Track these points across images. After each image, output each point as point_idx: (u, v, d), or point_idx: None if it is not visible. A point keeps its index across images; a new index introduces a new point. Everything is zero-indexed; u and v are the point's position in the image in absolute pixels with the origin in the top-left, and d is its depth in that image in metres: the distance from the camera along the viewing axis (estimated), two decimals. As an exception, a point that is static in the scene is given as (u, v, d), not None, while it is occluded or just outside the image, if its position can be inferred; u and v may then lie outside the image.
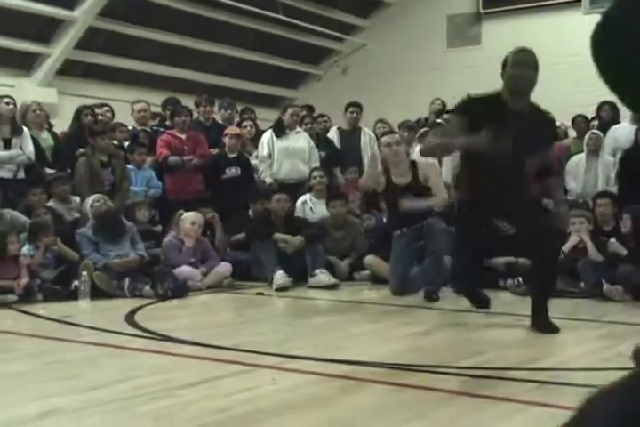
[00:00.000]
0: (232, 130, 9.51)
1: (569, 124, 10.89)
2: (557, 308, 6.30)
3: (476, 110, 5.01)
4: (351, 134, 10.33)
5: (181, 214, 7.89)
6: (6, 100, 8.35)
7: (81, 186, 8.27)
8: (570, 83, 13.23)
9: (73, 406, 3.06)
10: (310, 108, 11.47)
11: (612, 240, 7.33)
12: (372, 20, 16.56)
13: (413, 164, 7.18)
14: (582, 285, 7.07)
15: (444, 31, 15.70)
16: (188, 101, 10.57)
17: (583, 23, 13.53)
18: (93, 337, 4.79)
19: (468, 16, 15.45)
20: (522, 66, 5.04)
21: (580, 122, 10.50)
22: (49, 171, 8.49)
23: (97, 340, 4.66)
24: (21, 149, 8.10)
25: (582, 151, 9.59)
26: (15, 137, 8.10)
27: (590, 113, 10.60)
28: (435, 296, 6.62)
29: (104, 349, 4.39)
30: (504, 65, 5.16)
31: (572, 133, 10.97)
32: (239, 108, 10.97)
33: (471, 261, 5.50)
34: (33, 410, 3.00)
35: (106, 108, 10.00)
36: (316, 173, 8.99)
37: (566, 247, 7.36)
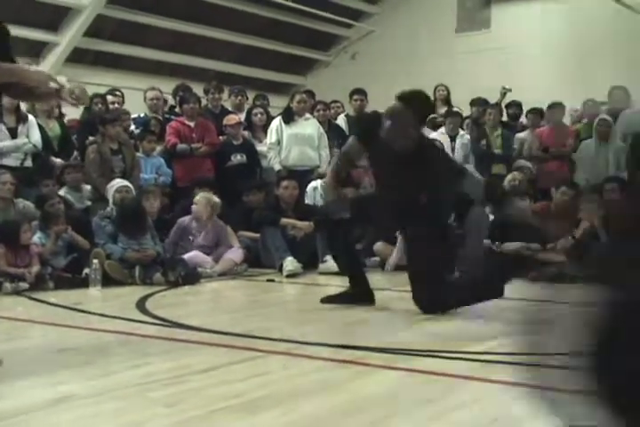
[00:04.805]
0: (228, 120, 9.51)
1: (579, 108, 10.83)
2: (569, 293, 6.30)
3: (372, 144, 5.30)
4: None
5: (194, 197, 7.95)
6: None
7: (91, 174, 8.28)
8: (580, 67, 13.18)
9: (85, 392, 3.07)
10: (312, 94, 11.44)
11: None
12: (381, 5, 16.50)
13: None
14: (593, 270, 7.06)
15: (453, 15, 15.63)
16: (197, 89, 10.57)
17: (594, 9, 13.48)
18: (104, 324, 4.80)
19: (478, 0, 15.37)
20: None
21: (591, 106, 10.42)
22: (55, 160, 8.53)
23: (108, 327, 4.67)
24: (28, 137, 8.14)
25: (592, 136, 9.54)
26: (20, 125, 8.14)
27: (601, 97, 10.53)
28: None
29: (115, 336, 4.40)
30: None
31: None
32: (251, 95, 10.96)
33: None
34: (45, 397, 3.01)
35: (117, 93, 9.98)
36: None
37: (577, 233, 7.36)
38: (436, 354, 3.80)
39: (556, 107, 10.13)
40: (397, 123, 5.10)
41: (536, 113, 10.47)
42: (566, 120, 10.71)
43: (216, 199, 7.93)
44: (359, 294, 5.56)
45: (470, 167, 9.79)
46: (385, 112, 5.26)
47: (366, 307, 5.48)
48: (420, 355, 3.79)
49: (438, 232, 5.28)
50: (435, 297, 5.09)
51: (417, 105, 5.16)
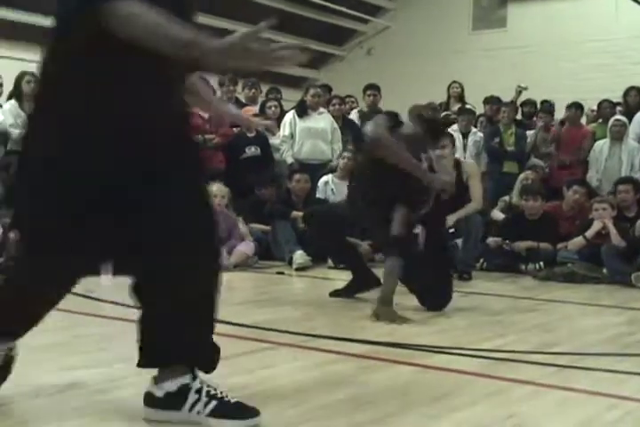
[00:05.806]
0: (246, 111, 9.50)
1: (595, 108, 10.80)
2: (580, 293, 6.31)
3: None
4: (371, 117, 10.26)
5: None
6: (27, 78, 8.41)
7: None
8: (596, 67, 13.13)
9: (94, 380, 3.07)
10: (328, 89, 11.41)
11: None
12: (398, 1, 16.47)
13: (457, 162, 7.22)
14: (605, 271, 7.05)
15: (469, 14, 15.60)
16: (212, 81, 10.54)
17: (610, 7, 13.43)
18: (116, 312, 4.79)
19: (494, -1, 15.34)
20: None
21: (606, 107, 10.38)
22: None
23: (119, 315, 4.66)
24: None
25: (606, 137, 9.51)
26: None
27: (616, 98, 10.49)
28: (466, 276, 6.95)
29: (126, 324, 4.39)
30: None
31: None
32: (264, 88, 10.94)
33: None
34: (54, 383, 3.01)
35: None
36: (345, 154, 8.91)
37: (589, 233, 7.34)
38: (446, 350, 3.80)
39: (573, 107, 10.11)
40: (413, 146, 5.20)
41: (548, 112, 10.45)
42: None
43: (224, 191, 7.90)
44: (362, 282, 5.60)
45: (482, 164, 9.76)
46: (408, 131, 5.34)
47: (375, 301, 5.47)
48: (430, 351, 3.79)
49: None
50: (447, 295, 5.16)
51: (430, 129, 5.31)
